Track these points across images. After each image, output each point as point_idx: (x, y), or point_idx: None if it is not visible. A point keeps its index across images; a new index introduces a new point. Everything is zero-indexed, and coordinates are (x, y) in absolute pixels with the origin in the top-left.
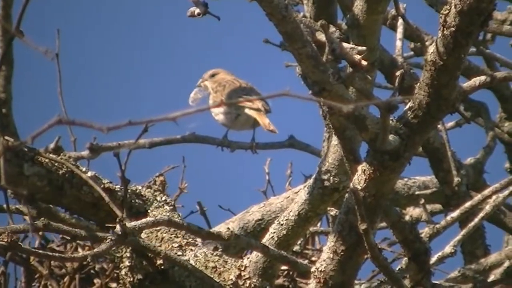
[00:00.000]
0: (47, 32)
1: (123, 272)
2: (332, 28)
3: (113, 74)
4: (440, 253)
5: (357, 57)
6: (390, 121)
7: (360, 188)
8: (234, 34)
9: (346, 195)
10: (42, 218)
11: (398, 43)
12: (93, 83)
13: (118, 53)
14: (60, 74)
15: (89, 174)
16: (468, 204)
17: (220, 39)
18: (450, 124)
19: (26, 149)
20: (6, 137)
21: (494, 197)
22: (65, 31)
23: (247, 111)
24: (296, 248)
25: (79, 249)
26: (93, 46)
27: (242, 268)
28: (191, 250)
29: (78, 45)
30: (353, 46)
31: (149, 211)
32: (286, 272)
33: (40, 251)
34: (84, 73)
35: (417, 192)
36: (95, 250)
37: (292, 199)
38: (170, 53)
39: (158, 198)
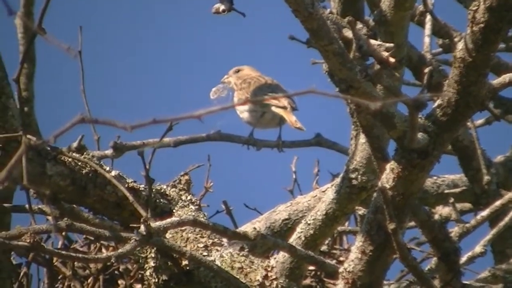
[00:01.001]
0: (70, 29)
1: (147, 273)
2: (359, 25)
3: (137, 72)
4: (470, 253)
5: (385, 54)
6: (419, 119)
7: (388, 187)
8: (259, 31)
9: (374, 194)
10: (65, 218)
11: (426, 40)
12: (116, 81)
13: (142, 51)
14: (82, 72)
15: (113, 173)
16: (498, 202)
17: (245, 36)
18: (479, 121)
19: (48, 148)
20: (29, 136)
21: None
22: (87, 29)
23: (273, 109)
24: (324, 248)
25: (103, 250)
26: (117, 43)
27: (269, 269)
28: (217, 250)
29: (101, 43)
30: (381, 43)
31: (174, 210)
32: (313, 272)
33: (63, 252)
34: (107, 70)
35: (446, 191)
36: (119, 250)
37: (320, 198)
38: (194, 50)
39: (183, 198)
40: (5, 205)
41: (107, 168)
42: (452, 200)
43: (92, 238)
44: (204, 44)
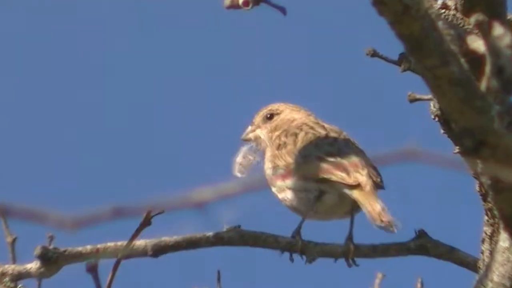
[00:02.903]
0: None
1: None
2: (498, 29)
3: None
4: None
5: None
6: None
7: None
8: (313, 40)
9: None
10: None
11: None
12: (55, 138)
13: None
14: None
15: None
16: None
17: (287, 47)
18: None
19: None
20: None
21: None
22: None
23: (340, 186)
24: None
25: None
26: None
27: None
28: None
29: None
30: None
31: None
32: None
33: None
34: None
35: None
36: None
37: None
38: (193, 76)
39: None
40: None
41: None
42: None
43: None
44: (212, 64)
